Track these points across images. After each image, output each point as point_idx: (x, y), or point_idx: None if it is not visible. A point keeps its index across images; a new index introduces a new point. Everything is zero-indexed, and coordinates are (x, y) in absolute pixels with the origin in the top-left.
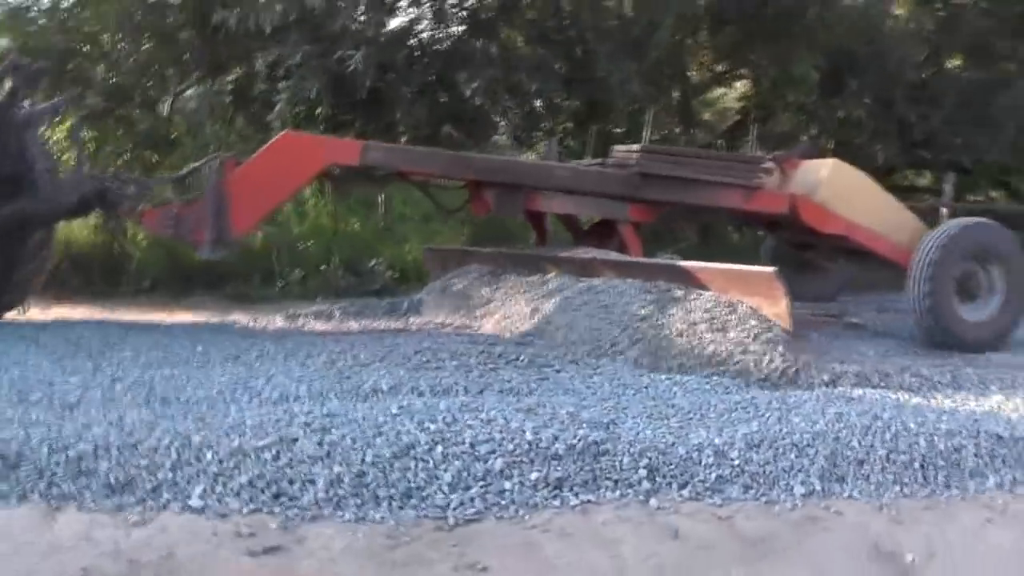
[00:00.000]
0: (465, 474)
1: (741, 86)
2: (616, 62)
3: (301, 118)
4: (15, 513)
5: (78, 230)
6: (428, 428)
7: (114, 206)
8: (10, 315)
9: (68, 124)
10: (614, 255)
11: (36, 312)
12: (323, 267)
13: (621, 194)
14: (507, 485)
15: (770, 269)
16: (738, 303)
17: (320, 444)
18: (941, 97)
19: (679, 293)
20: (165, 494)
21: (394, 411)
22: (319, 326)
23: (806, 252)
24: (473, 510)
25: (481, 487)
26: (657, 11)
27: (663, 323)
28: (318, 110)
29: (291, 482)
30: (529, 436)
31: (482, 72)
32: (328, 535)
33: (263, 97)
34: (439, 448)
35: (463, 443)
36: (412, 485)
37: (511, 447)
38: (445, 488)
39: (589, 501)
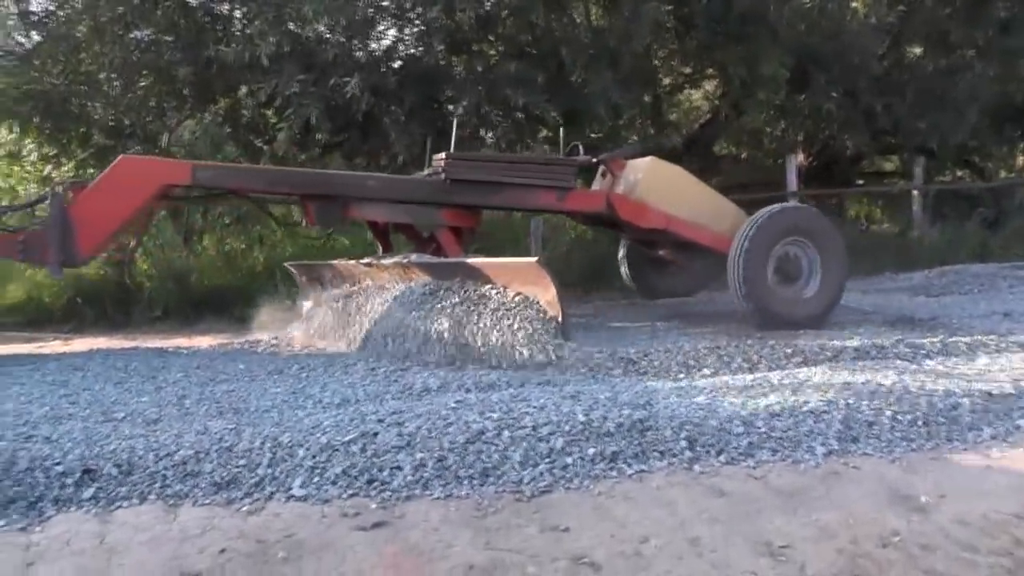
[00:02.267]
0: (532, 453)
1: (710, 86)
2: (593, 72)
3: (297, 143)
4: (141, 509)
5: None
6: (491, 416)
7: None
8: (51, 347)
9: None
10: (429, 258)
11: (59, 344)
12: None
13: (433, 200)
14: (569, 460)
15: (533, 259)
16: (516, 295)
17: (400, 436)
18: (904, 85)
19: (467, 291)
20: (268, 487)
21: (453, 405)
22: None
23: (653, 249)
24: (544, 483)
25: (547, 463)
26: (631, 20)
27: (459, 323)
28: (318, 136)
29: (380, 469)
30: (582, 417)
31: (466, 90)
32: (424, 510)
33: (253, 125)
34: (506, 432)
35: (526, 427)
36: (488, 465)
37: (568, 428)
38: (517, 466)
39: (642, 470)
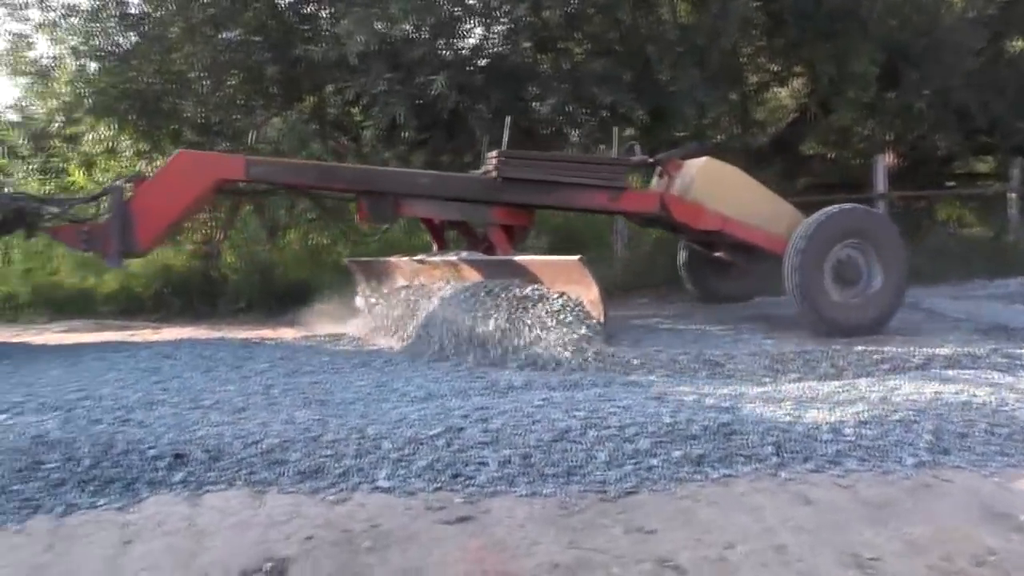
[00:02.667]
0: (617, 453)
1: (798, 84)
2: (679, 70)
3: (383, 140)
4: (228, 495)
5: (175, 257)
6: (576, 415)
7: (33, 224)
8: (142, 335)
9: None
10: (478, 256)
11: (149, 333)
12: None
13: (484, 198)
14: (654, 462)
15: (575, 258)
16: (559, 295)
17: (485, 432)
18: (1004, 82)
19: (510, 291)
20: (353, 478)
21: (538, 403)
22: None
23: (712, 251)
24: (629, 484)
25: (633, 464)
26: (718, 18)
27: (500, 323)
28: (404, 133)
29: (465, 464)
30: (667, 419)
31: (553, 88)
32: (508, 506)
33: (339, 122)
34: (591, 432)
35: (611, 427)
36: (573, 464)
37: (653, 429)
38: (602, 466)
39: (728, 475)
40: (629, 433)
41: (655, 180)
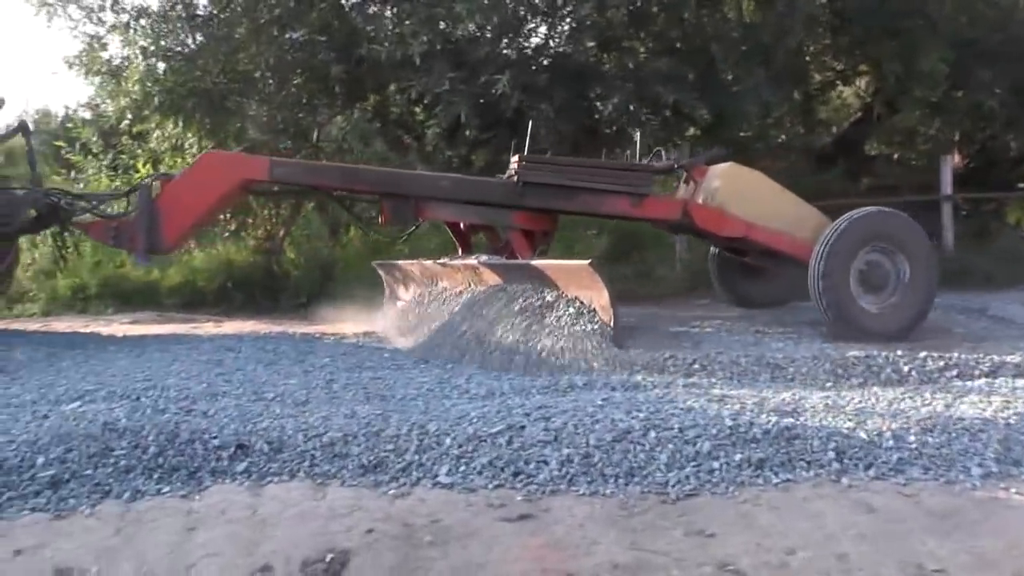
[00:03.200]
0: (678, 455)
1: (863, 83)
2: (744, 69)
3: (446, 139)
4: (290, 486)
5: (237, 252)
6: (638, 416)
7: (66, 220)
8: (204, 328)
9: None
10: (497, 259)
11: (211, 326)
12: None
13: (504, 202)
14: (715, 465)
15: (585, 262)
16: (571, 299)
17: (546, 430)
18: None
19: (522, 295)
20: (415, 473)
21: (599, 403)
22: None
23: (743, 256)
24: (690, 486)
25: (693, 467)
26: (784, 15)
27: (513, 327)
28: (467, 132)
29: (526, 462)
30: (729, 422)
31: (617, 87)
32: (569, 505)
33: (402, 121)
34: (652, 433)
35: (672, 428)
36: (633, 465)
37: (715, 431)
38: (663, 467)
39: (788, 480)
40: (690, 435)
41: (681, 187)
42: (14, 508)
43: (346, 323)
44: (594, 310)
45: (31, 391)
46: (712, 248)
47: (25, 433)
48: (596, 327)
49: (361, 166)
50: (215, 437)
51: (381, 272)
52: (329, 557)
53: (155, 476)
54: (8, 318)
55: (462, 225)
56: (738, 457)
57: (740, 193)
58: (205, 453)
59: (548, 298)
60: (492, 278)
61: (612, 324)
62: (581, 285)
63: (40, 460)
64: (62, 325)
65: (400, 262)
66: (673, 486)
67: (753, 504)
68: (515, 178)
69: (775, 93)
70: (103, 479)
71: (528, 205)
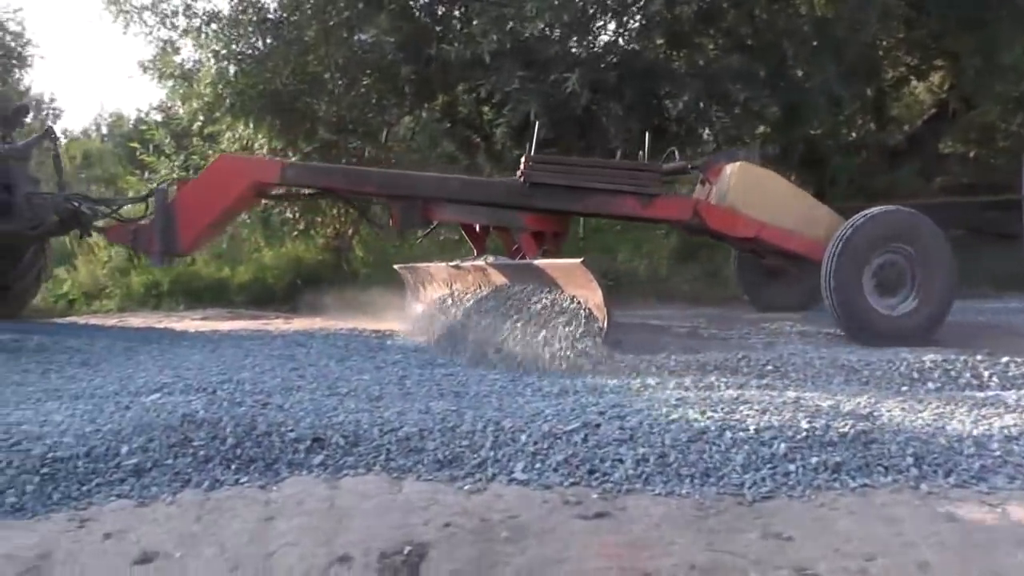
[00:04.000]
0: (754, 457)
1: (937, 78)
2: (815, 65)
3: (514, 138)
4: (367, 479)
5: (306, 250)
6: (712, 416)
7: (87, 224)
8: (274, 325)
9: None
10: (504, 260)
11: (280, 322)
12: None
13: (512, 203)
14: (792, 467)
15: (578, 261)
16: (567, 299)
17: (621, 429)
18: None
19: (520, 295)
20: (490, 469)
21: (673, 402)
22: None
23: (764, 259)
24: (766, 489)
25: (769, 469)
26: (858, 9)
27: (510, 327)
28: (537, 131)
29: (602, 460)
30: (804, 424)
31: (687, 85)
32: (645, 505)
33: (470, 120)
34: (727, 433)
35: (748, 429)
36: (709, 465)
37: (791, 434)
38: (738, 468)
39: (866, 484)
40: (766, 437)
41: (698, 187)
42: (101, 494)
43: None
44: (589, 310)
45: (112, 383)
46: (734, 251)
47: (109, 423)
48: (589, 327)
49: (370, 168)
50: (291, 430)
51: (404, 274)
52: (407, 550)
53: (233, 467)
54: (87, 313)
55: (477, 227)
56: (814, 460)
57: (752, 193)
58: (282, 445)
59: (546, 298)
60: (499, 279)
61: (605, 324)
62: (577, 284)
63: (124, 449)
64: (137, 320)
65: (419, 264)
66: (749, 488)
67: (830, 508)
68: (522, 179)
69: (847, 89)
70: (183, 468)
71: (536, 206)
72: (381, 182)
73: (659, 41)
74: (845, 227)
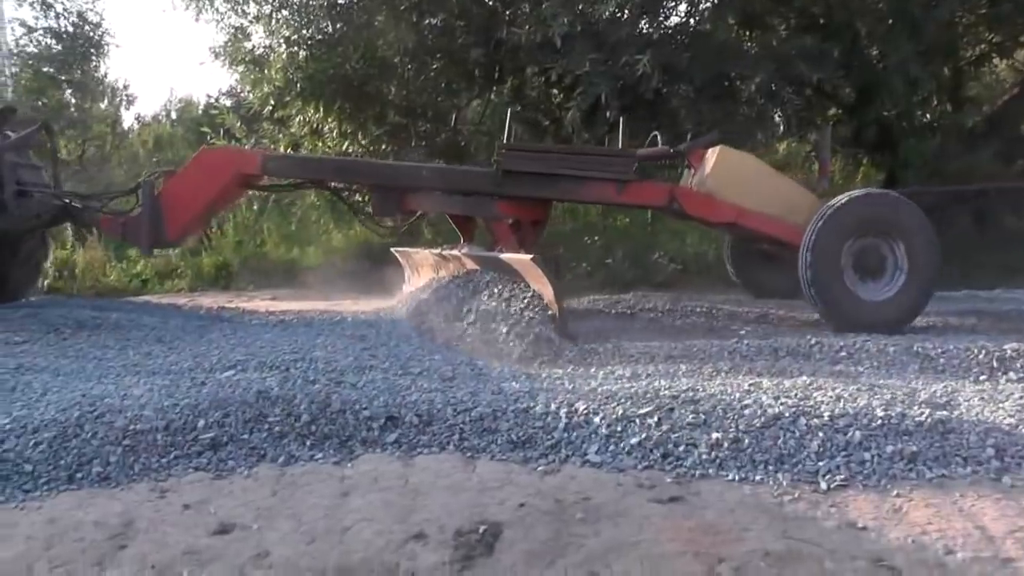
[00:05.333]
0: (829, 444)
1: (1022, 56)
2: (891, 44)
3: (584, 121)
4: (441, 457)
5: (371, 236)
6: (786, 402)
7: (78, 219)
8: (343, 306)
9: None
10: (476, 250)
11: (349, 303)
12: (608, 260)
13: (487, 191)
14: (866, 456)
15: (527, 256)
16: (524, 291)
17: (695, 413)
18: None
19: (479, 286)
20: (564, 450)
21: (747, 387)
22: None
23: (756, 245)
24: (841, 477)
25: (844, 457)
26: None
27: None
28: (607, 114)
29: (676, 445)
30: (880, 412)
31: (759, 66)
32: (719, 490)
33: (539, 104)
34: (802, 420)
35: (823, 416)
36: (783, 452)
37: (866, 421)
38: (813, 455)
39: (943, 475)
40: (840, 424)
41: (686, 173)
42: (180, 466)
43: None
44: (543, 302)
45: (187, 359)
46: (727, 236)
47: (186, 398)
48: (542, 318)
49: (349, 159)
50: (365, 408)
51: (399, 258)
52: (482, 529)
53: (308, 443)
54: (159, 293)
55: (460, 215)
56: (890, 449)
57: (731, 177)
58: (356, 423)
59: (505, 290)
60: (472, 268)
61: (557, 316)
62: (531, 277)
63: (201, 423)
64: (207, 300)
65: (411, 250)
66: (824, 476)
67: (906, 499)
68: (495, 167)
69: (923, 69)
70: (258, 443)
71: (510, 193)
72: (357, 171)
73: (731, 21)
74: (822, 211)
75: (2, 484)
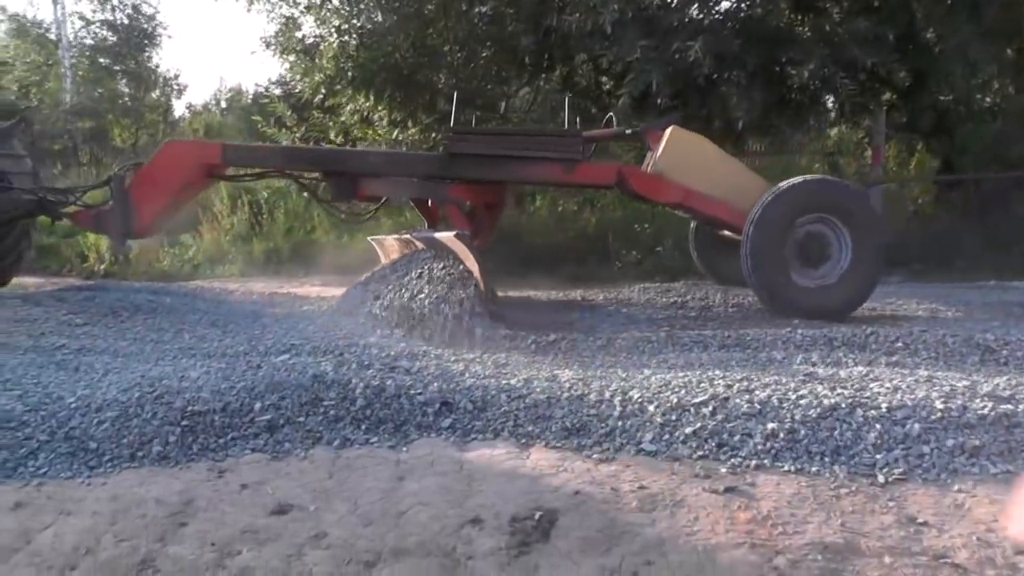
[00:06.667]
0: (886, 436)
1: None
2: (949, 26)
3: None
4: (495, 443)
5: (419, 221)
6: (842, 393)
7: (53, 211)
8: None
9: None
10: (420, 233)
11: None
12: (658, 248)
13: (435, 175)
14: (926, 449)
15: (452, 233)
16: (455, 270)
17: (750, 403)
18: None
19: (410, 266)
20: (618, 438)
21: (802, 377)
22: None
23: (718, 232)
24: (899, 470)
25: (903, 449)
26: None
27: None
28: (659, 101)
29: (731, 435)
30: (939, 405)
31: (812, 51)
32: (775, 481)
33: (588, 91)
34: (859, 411)
35: (880, 407)
36: (840, 443)
37: (925, 414)
38: (870, 448)
39: (1008, 471)
40: (898, 416)
41: (648, 154)
42: (237, 447)
43: (536, 289)
44: (472, 279)
45: (242, 343)
46: (692, 223)
47: (243, 381)
48: (472, 294)
49: (302, 146)
50: (420, 393)
51: (375, 246)
52: (538, 515)
53: (363, 427)
54: (210, 278)
55: (429, 201)
56: (950, 443)
57: (681, 159)
58: (411, 408)
59: (437, 269)
60: (416, 249)
61: (483, 291)
62: (460, 254)
63: (257, 406)
64: (259, 286)
65: (383, 237)
66: (881, 469)
67: (968, 495)
68: (442, 150)
69: (984, 51)
70: (314, 426)
71: (458, 176)
72: (312, 159)
73: (783, 5)
74: (765, 197)
75: (69, 460)
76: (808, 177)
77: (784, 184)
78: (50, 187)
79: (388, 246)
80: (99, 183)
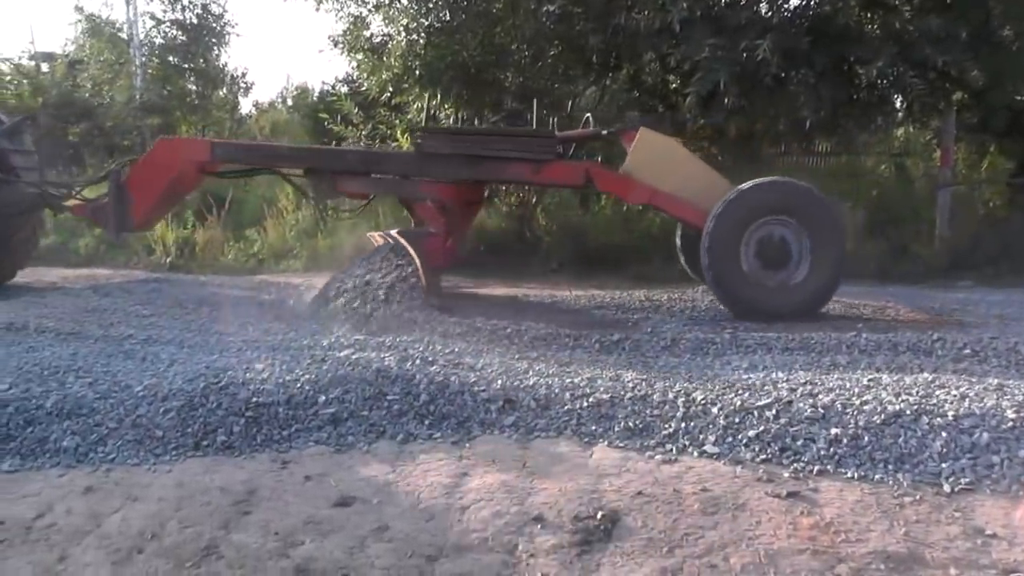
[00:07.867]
0: (953, 445)
1: None
2: None
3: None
4: (558, 442)
5: (490, 219)
6: (907, 400)
7: (55, 205)
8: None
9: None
10: (392, 232)
11: (471, 286)
12: None
13: (407, 173)
14: (995, 459)
15: (393, 232)
16: (404, 269)
17: (814, 407)
18: None
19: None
20: (681, 440)
21: (866, 383)
22: None
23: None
24: (966, 480)
25: (970, 459)
26: None
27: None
28: (726, 100)
29: (794, 439)
30: (1011, 414)
31: (881, 49)
32: (838, 488)
33: (655, 89)
34: (924, 419)
35: (946, 415)
36: (904, 451)
37: (994, 423)
38: (935, 456)
39: None
40: (966, 425)
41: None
42: (301, 439)
43: (602, 289)
44: (415, 277)
45: (305, 337)
46: (680, 226)
47: (307, 374)
48: (411, 294)
49: (284, 144)
50: (483, 390)
51: (372, 242)
52: (600, 515)
53: (426, 422)
54: (274, 272)
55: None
56: (1022, 453)
57: (649, 159)
58: (474, 405)
59: (387, 265)
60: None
61: (424, 287)
62: (412, 252)
63: (321, 399)
64: (322, 281)
65: (377, 234)
66: (947, 478)
67: None
68: (414, 149)
69: None
70: (378, 420)
71: (431, 175)
72: (293, 157)
73: (852, 3)
74: (725, 198)
75: (136, 447)
76: (771, 179)
77: (744, 185)
78: (50, 182)
79: (376, 242)
80: (98, 178)
